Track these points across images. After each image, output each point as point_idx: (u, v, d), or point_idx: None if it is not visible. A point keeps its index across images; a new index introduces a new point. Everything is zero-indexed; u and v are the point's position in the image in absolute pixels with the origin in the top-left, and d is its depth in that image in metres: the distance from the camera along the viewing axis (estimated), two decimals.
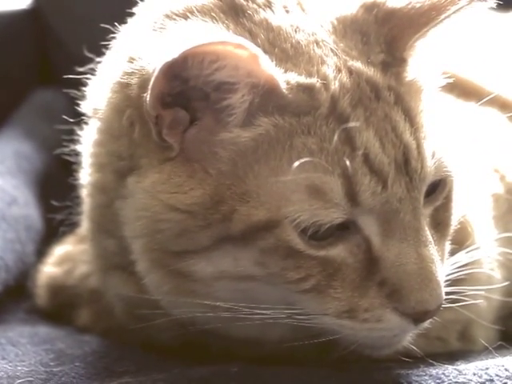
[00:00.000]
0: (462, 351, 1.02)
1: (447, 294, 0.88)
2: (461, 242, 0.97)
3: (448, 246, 0.92)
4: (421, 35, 0.88)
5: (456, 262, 0.93)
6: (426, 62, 0.92)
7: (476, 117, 1.19)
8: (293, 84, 0.83)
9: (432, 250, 0.85)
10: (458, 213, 0.95)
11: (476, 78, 1.27)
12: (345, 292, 0.84)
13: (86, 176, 0.99)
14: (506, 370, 0.88)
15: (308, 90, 0.83)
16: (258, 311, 0.85)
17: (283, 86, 0.82)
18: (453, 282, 0.92)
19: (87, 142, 0.99)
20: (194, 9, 0.88)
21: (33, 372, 0.94)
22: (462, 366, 0.91)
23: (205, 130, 0.85)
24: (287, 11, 0.89)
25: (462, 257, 0.94)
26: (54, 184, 1.47)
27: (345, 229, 0.84)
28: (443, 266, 0.89)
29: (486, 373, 0.88)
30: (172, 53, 0.78)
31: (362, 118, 0.83)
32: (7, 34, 1.92)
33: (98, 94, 0.95)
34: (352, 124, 0.82)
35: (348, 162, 0.81)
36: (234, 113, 0.83)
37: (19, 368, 0.95)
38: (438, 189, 0.89)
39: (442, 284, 0.85)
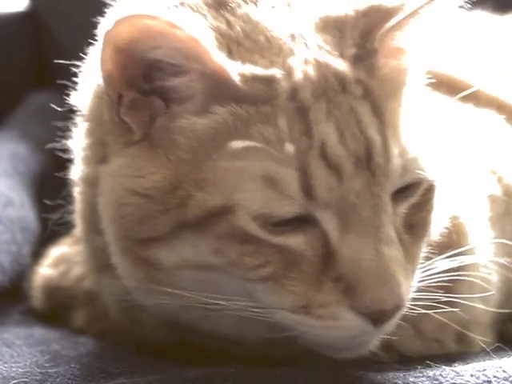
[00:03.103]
0: (460, 353, 1.01)
1: (425, 299, 0.87)
2: (455, 244, 0.96)
3: (423, 250, 0.90)
4: (393, 25, 0.85)
5: (436, 268, 0.91)
6: (410, 59, 0.90)
7: (474, 118, 1.19)
8: (248, 76, 0.82)
9: (394, 249, 0.83)
10: (440, 217, 0.94)
11: (474, 80, 1.27)
12: (301, 285, 0.83)
13: (77, 172, 0.99)
14: (504, 371, 0.87)
15: (266, 80, 0.82)
16: (219, 302, 0.84)
17: (236, 78, 0.82)
18: (438, 288, 0.90)
19: (78, 136, 0.98)
20: (180, 4, 0.88)
21: (28, 373, 0.93)
22: (459, 367, 0.90)
23: (166, 117, 0.85)
24: (273, 7, 0.89)
25: (445, 263, 0.92)
26: (49, 185, 1.47)
27: (306, 221, 0.83)
28: (414, 268, 0.87)
29: (483, 374, 0.87)
30: (111, 23, 0.80)
31: (324, 111, 0.82)
32: (4, 36, 1.93)
33: (85, 84, 0.95)
34: (312, 115, 0.82)
35: (304, 155, 0.80)
36: (181, 97, 0.84)
37: (14, 369, 0.94)
38: (412, 188, 0.87)
39: (405, 285, 0.83)
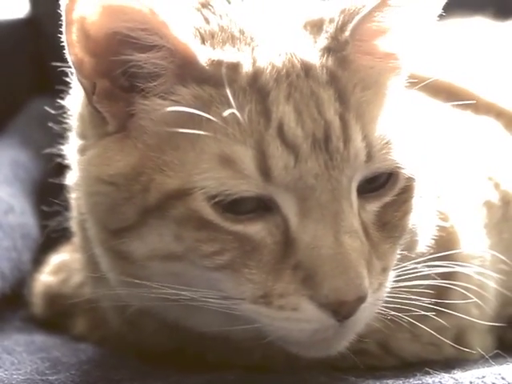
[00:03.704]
0: (459, 359, 1.01)
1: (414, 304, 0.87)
2: (446, 250, 0.95)
3: (397, 250, 0.89)
4: (364, 16, 0.86)
5: (420, 272, 0.90)
6: (395, 61, 0.91)
7: (472, 125, 1.19)
8: (213, 59, 0.83)
9: (356, 239, 0.82)
10: (426, 220, 0.94)
11: (473, 86, 1.28)
12: (259, 274, 0.82)
13: (72, 177, 0.99)
14: (503, 378, 0.87)
15: (230, 64, 0.83)
16: (186, 293, 0.84)
17: (203, 60, 0.83)
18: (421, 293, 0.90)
19: (72, 139, 0.98)
20: None
21: (29, 380, 0.94)
22: (458, 374, 0.91)
23: (136, 105, 0.86)
24: (260, 9, 0.92)
25: (429, 268, 0.91)
26: (50, 192, 1.47)
27: (267, 209, 0.83)
28: (386, 267, 0.86)
29: (482, 381, 0.87)
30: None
31: (284, 93, 0.83)
32: (4, 42, 1.92)
33: (76, 85, 0.95)
34: (271, 97, 0.82)
35: (261, 135, 0.80)
36: (147, 75, 0.84)
37: (15, 376, 0.94)
38: (388, 184, 0.87)
39: (368, 279, 0.82)
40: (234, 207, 0.82)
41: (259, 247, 0.82)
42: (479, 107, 1.21)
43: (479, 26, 1.52)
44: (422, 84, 0.95)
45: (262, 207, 0.83)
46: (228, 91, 0.80)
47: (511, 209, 1.12)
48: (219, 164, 0.81)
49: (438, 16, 0.90)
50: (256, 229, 0.82)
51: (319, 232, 0.81)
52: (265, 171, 0.80)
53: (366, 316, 0.85)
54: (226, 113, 0.80)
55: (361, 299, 0.81)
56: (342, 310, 0.81)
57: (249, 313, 0.84)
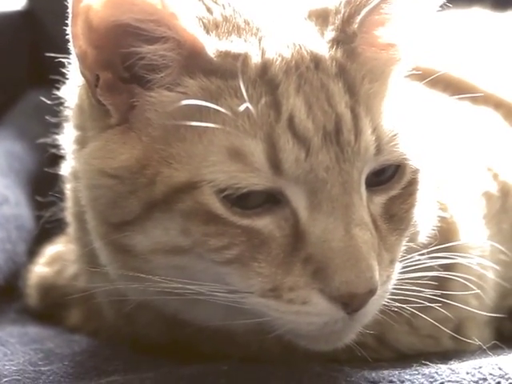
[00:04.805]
0: (456, 351, 1.01)
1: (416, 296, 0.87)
2: (445, 241, 0.95)
3: (403, 242, 0.89)
4: (372, 9, 0.85)
5: (424, 264, 0.90)
6: (398, 52, 0.91)
7: (471, 115, 1.18)
8: (221, 50, 0.82)
9: (366, 232, 0.82)
10: (428, 218, 0.94)
11: (471, 77, 1.27)
12: (269, 267, 0.81)
13: (67, 168, 0.99)
14: (500, 368, 0.87)
15: (238, 56, 0.82)
16: (192, 287, 0.83)
17: (210, 51, 0.82)
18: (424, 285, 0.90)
19: (68, 130, 0.98)
20: None
21: (21, 371, 0.93)
22: (455, 364, 0.90)
23: (140, 97, 0.85)
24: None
25: (433, 260, 0.91)
26: (45, 184, 1.46)
27: (276, 202, 0.82)
28: (393, 259, 0.86)
29: (479, 371, 0.87)
30: None
31: (294, 85, 0.82)
32: (1, 34, 1.92)
33: (72, 76, 0.95)
34: (281, 90, 0.81)
35: (272, 127, 0.80)
36: (154, 67, 0.83)
37: (7, 367, 0.94)
38: (395, 177, 0.87)
39: (378, 271, 0.81)
40: (242, 201, 0.81)
41: (268, 241, 0.82)
42: (478, 98, 1.20)
43: (477, 16, 1.51)
44: (417, 73, 0.94)
45: (271, 201, 0.82)
46: (241, 83, 0.80)
47: (510, 199, 1.12)
48: (228, 157, 0.80)
49: (441, 6, 0.90)
50: (264, 222, 0.82)
51: (330, 225, 0.81)
52: (275, 164, 0.80)
53: (374, 308, 0.85)
54: (241, 107, 0.79)
55: (372, 292, 0.81)
56: (352, 303, 0.81)
57: (257, 306, 0.83)
